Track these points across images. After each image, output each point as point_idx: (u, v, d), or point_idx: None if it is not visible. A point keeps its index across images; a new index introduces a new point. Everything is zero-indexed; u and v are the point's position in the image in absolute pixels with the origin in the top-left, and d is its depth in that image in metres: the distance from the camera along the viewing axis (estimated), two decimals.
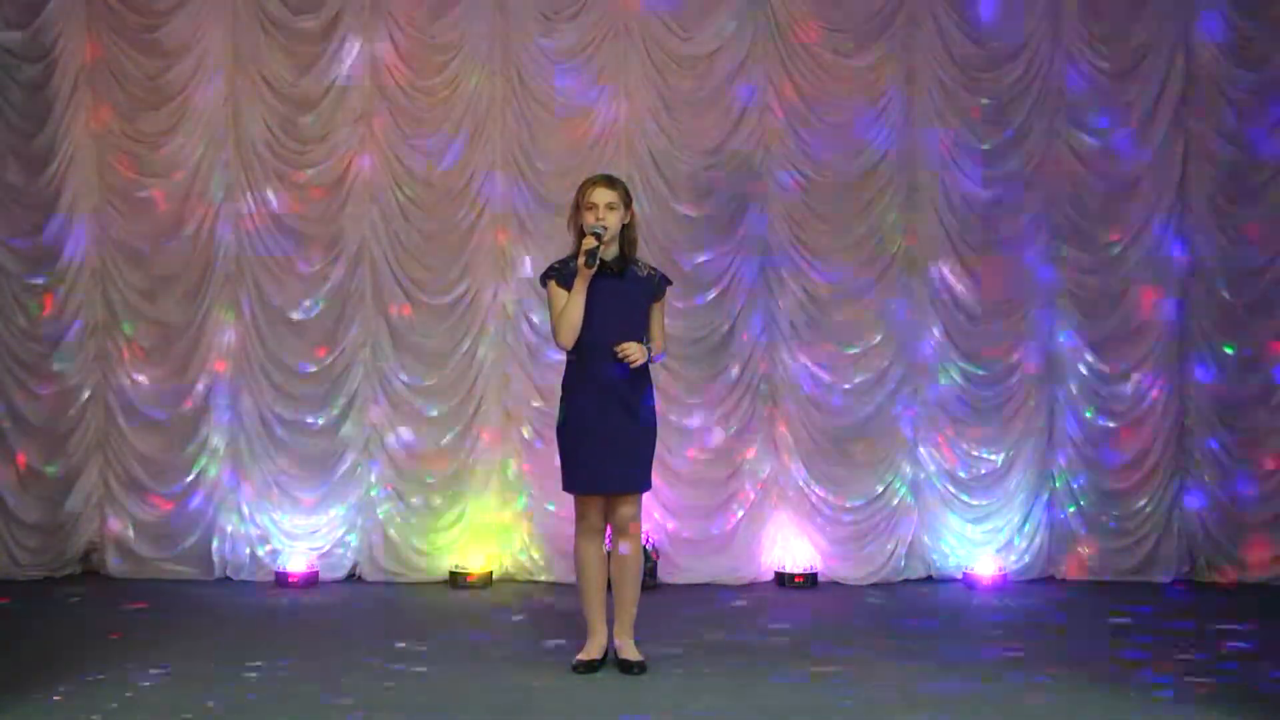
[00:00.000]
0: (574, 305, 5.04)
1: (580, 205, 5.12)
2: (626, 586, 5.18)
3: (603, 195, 5.07)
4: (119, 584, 6.95)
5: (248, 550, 7.07)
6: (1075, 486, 7.13)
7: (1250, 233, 7.08)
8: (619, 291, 5.10)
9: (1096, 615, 6.32)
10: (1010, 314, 7.12)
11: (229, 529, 7.08)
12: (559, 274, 5.14)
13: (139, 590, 6.77)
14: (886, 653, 5.54)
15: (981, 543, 7.10)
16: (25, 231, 7.04)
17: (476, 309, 7.09)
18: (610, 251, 5.10)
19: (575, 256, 5.11)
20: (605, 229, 5.03)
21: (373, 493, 7.09)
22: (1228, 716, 4.64)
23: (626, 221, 5.14)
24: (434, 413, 7.08)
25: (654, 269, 5.29)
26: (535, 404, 7.00)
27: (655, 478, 5.81)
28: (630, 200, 5.18)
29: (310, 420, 7.09)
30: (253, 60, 7.03)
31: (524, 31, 7.03)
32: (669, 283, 5.28)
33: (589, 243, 4.99)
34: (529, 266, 6.92)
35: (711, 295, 7.03)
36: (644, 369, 5.18)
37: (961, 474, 7.12)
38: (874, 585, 6.99)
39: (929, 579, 7.12)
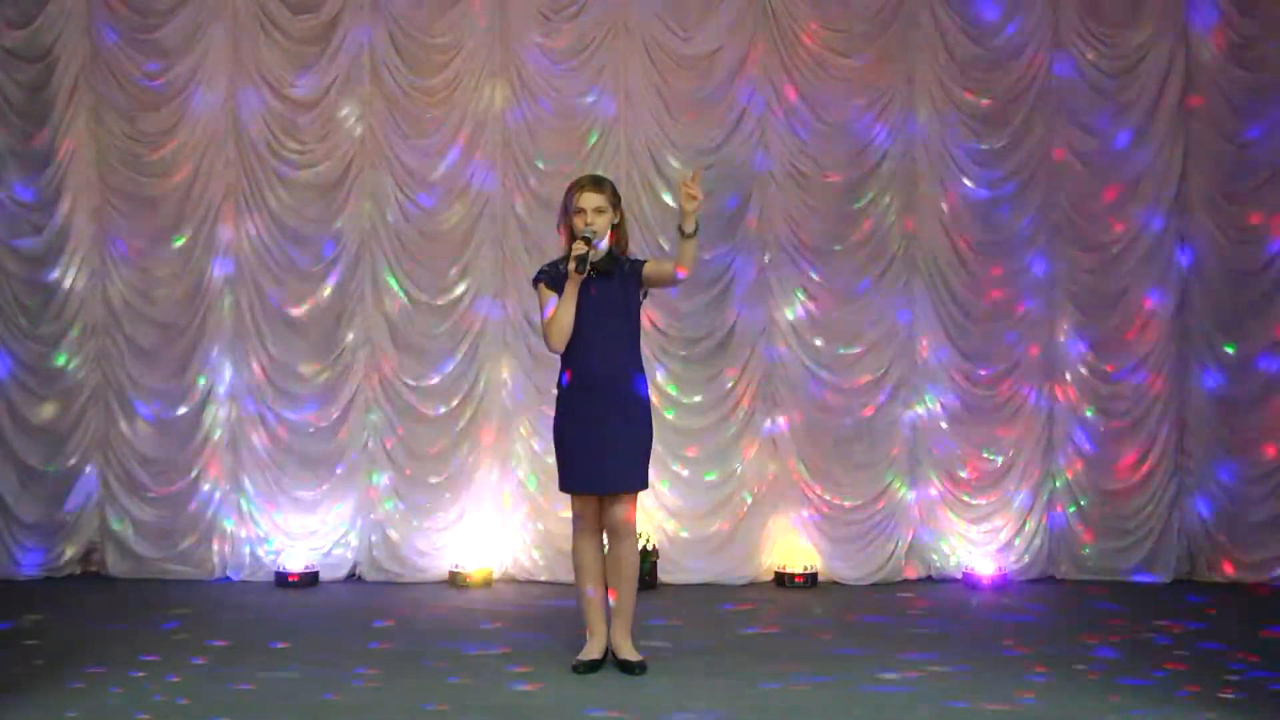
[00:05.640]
0: (564, 309, 5.02)
1: (568, 208, 5.10)
2: (623, 586, 5.17)
3: (590, 199, 5.05)
4: (119, 584, 6.95)
5: (248, 550, 7.07)
6: (1075, 486, 7.14)
7: (1250, 233, 7.08)
8: (609, 292, 5.09)
9: (1096, 615, 6.32)
10: (1010, 314, 7.12)
11: (229, 529, 7.08)
12: (549, 276, 5.12)
13: (139, 590, 6.78)
14: (886, 653, 5.53)
15: (981, 543, 7.10)
16: (25, 231, 7.04)
17: (476, 309, 7.09)
18: (600, 252, 5.09)
19: (566, 259, 5.10)
20: (595, 233, 5.02)
21: (373, 493, 7.09)
22: (1228, 717, 4.64)
23: (617, 221, 5.13)
24: (434, 413, 7.08)
25: (630, 260, 5.21)
26: (535, 404, 7.00)
27: (655, 478, 5.83)
28: (619, 200, 5.17)
29: (310, 420, 7.09)
30: (253, 60, 7.04)
31: (524, 31, 7.04)
32: (643, 261, 5.21)
33: (579, 247, 4.97)
34: (528, 266, 6.91)
35: (711, 295, 7.03)
36: (640, 369, 5.17)
37: (961, 474, 7.12)
38: (874, 585, 6.99)
39: (929, 579, 7.12)
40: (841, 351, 7.11)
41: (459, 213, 7.07)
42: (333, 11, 7.03)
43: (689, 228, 4.98)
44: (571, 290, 5.01)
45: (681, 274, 5.08)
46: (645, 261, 5.24)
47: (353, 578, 7.11)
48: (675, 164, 7.03)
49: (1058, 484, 7.16)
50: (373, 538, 7.08)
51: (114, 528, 7.09)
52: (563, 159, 6.99)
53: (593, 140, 7.04)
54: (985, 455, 7.13)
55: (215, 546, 7.08)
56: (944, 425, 7.12)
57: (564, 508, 6.12)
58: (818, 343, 7.10)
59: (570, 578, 5.50)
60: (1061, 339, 7.15)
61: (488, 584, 6.94)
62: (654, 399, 5.52)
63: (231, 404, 7.11)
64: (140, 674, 5.10)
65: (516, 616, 6.22)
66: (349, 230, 7.08)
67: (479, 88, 7.05)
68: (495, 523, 7.09)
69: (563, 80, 7.05)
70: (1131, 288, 7.11)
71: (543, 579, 7.00)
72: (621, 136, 7.05)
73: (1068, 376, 7.15)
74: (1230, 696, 4.87)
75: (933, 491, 7.13)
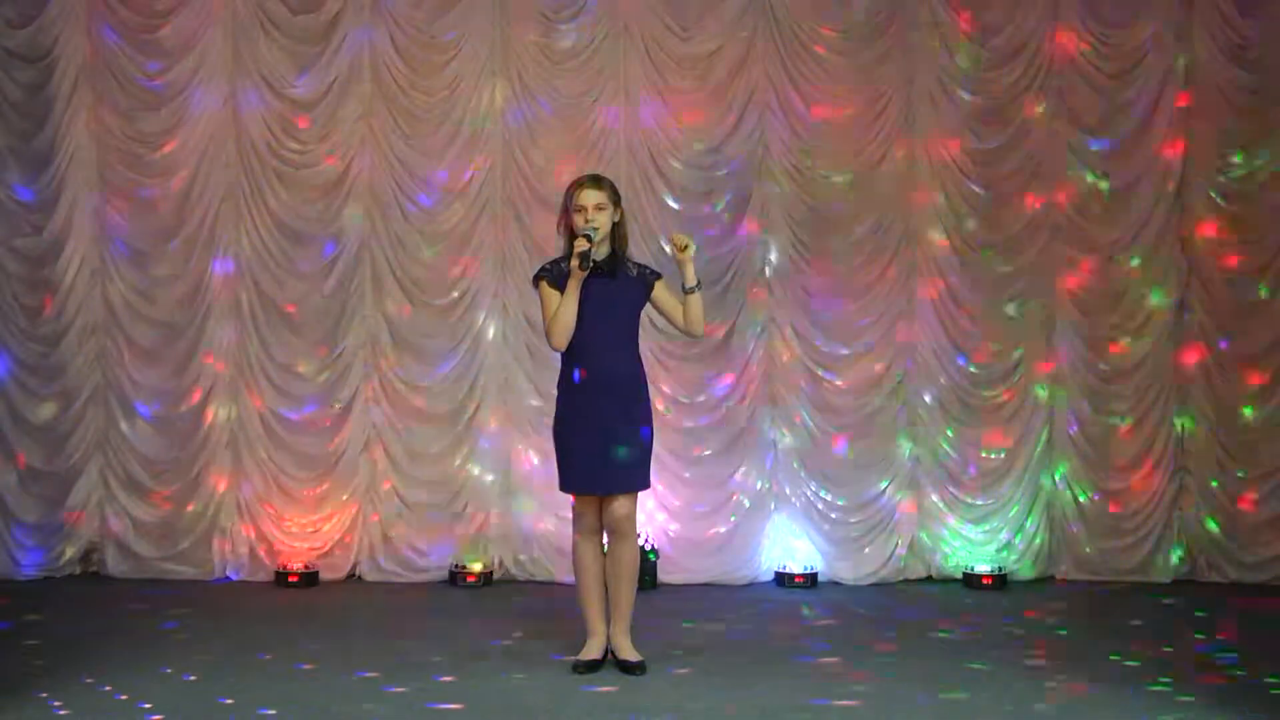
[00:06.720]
0: (567, 307, 5.02)
1: (569, 207, 5.10)
2: (623, 587, 5.16)
3: (591, 196, 5.05)
4: (119, 584, 6.95)
5: (248, 550, 7.07)
6: (1075, 486, 7.13)
7: (1250, 233, 7.08)
8: (611, 291, 5.08)
9: (1096, 616, 6.32)
10: (1010, 314, 7.12)
11: (229, 529, 7.09)
12: (550, 275, 5.12)
13: (139, 590, 6.78)
14: (887, 653, 5.54)
15: (981, 543, 7.11)
16: (25, 232, 7.04)
17: (476, 309, 7.09)
18: (602, 251, 5.08)
19: (566, 258, 5.09)
20: (596, 230, 5.02)
21: (373, 493, 7.10)
22: (1228, 717, 4.63)
23: (617, 220, 5.13)
24: (434, 413, 7.08)
25: (641, 266, 5.24)
26: (535, 404, 7.00)
27: (656, 478, 5.82)
28: (619, 198, 5.16)
29: (310, 420, 7.09)
30: (253, 60, 7.04)
31: (524, 31, 7.04)
32: (658, 275, 5.23)
33: (581, 244, 4.97)
34: (528, 266, 6.92)
35: (712, 295, 7.01)
36: (640, 369, 5.17)
37: (961, 474, 7.12)
38: (874, 585, 6.99)
39: (929, 579, 7.13)
40: (841, 351, 7.11)
41: (459, 213, 7.07)
42: (333, 11, 7.04)
43: (690, 282, 5.07)
44: (574, 288, 5.01)
45: (698, 332, 5.25)
46: (660, 276, 5.20)
47: (353, 578, 7.11)
48: (675, 164, 7.03)
49: (1058, 484, 7.16)
50: (373, 538, 7.08)
51: (114, 528, 7.09)
52: (563, 159, 6.99)
53: (593, 140, 7.04)
54: (985, 455, 7.13)
55: (215, 546, 7.08)
56: (944, 425, 7.12)
57: (564, 508, 6.12)
58: (818, 343, 7.10)
59: (570, 578, 5.49)
60: (1062, 339, 7.15)
61: (488, 584, 6.94)
62: (654, 399, 5.50)
63: (231, 404, 7.11)
64: (140, 674, 5.09)
65: (516, 616, 6.22)
66: (349, 230, 7.08)
67: (479, 88, 7.06)
68: (494, 522, 7.08)
69: (563, 80, 7.06)
70: (1131, 288, 7.11)
71: (542, 579, 7.01)
72: (621, 136, 7.06)
73: (1068, 376, 7.15)
74: (1235, 696, 4.87)
75: (932, 491, 7.13)
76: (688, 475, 7.08)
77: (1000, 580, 6.92)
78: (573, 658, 5.22)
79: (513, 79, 7.05)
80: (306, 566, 6.96)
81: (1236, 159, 7.07)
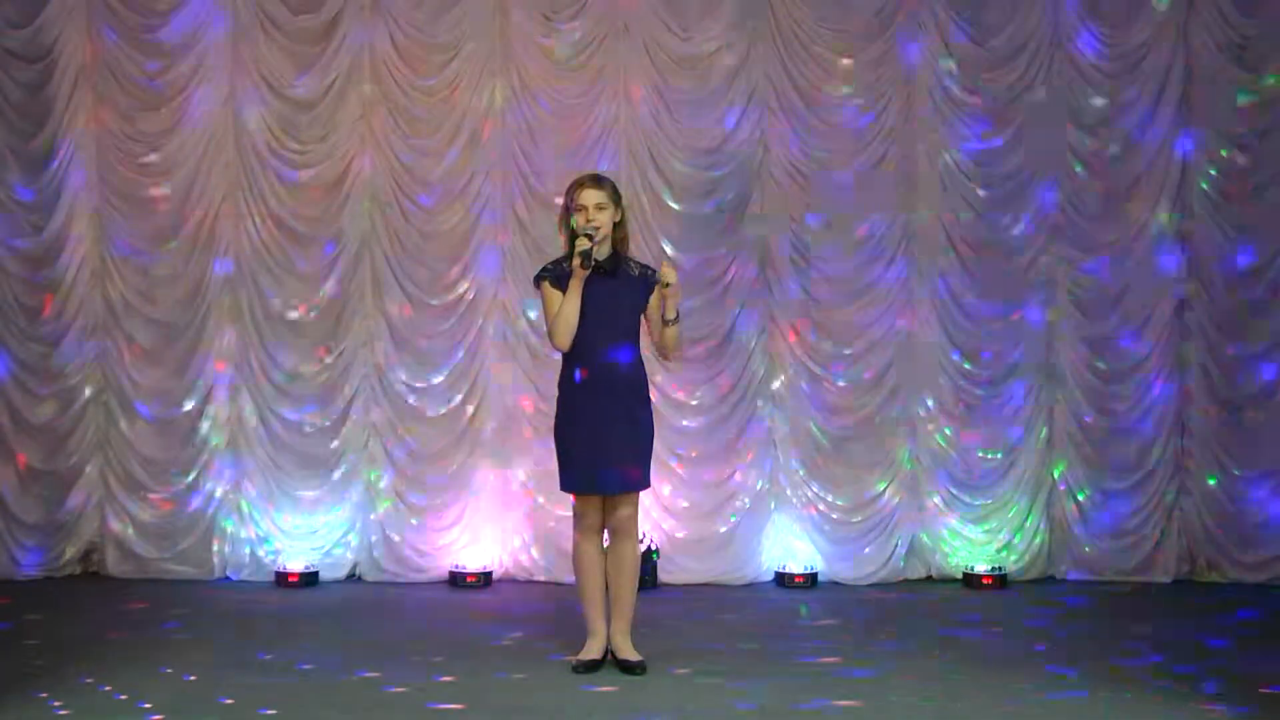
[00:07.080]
0: (569, 307, 5.02)
1: (570, 207, 5.11)
2: (624, 586, 5.17)
3: (591, 196, 5.06)
4: (119, 584, 6.95)
5: (248, 550, 7.07)
6: (1075, 486, 7.13)
7: (1250, 233, 7.08)
8: (612, 291, 5.08)
9: (1096, 616, 6.32)
10: (1010, 314, 7.12)
11: (229, 529, 7.09)
12: (552, 275, 5.12)
13: (139, 590, 6.78)
14: (886, 653, 5.54)
15: (981, 543, 7.11)
16: (25, 232, 7.04)
17: (476, 309, 7.09)
18: (603, 250, 5.08)
19: (568, 258, 5.09)
20: (597, 229, 5.02)
21: (373, 493, 7.10)
22: (1227, 717, 4.63)
23: (618, 219, 5.13)
24: (434, 413, 7.08)
25: (644, 267, 5.25)
26: (535, 404, 7.00)
27: (656, 478, 5.82)
28: (620, 197, 5.17)
29: (310, 420, 7.09)
30: (253, 60, 7.04)
31: (524, 31, 7.04)
32: (658, 279, 5.23)
33: (582, 244, 4.98)
34: (528, 266, 6.91)
35: (711, 295, 7.03)
36: (642, 368, 5.17)
37: (961, 474, 7.12)
38: (874, 585, 6.99)
39: (929, 579, 7.13)
40: (842, 351, 7.11)
41: (459, 213, 7.07)
42: (333, 11, 7.03)
43: (669, 315, 5.09)
44: (576, 287, 5.01)
45: (668, 358, 5.38)
46: (658, 283, 5.16)
47: (353, 578, 7.11)
48: (675, 164, 7.03)
49: (1058, 484, 7.16)
50: (373, 538, 7.08)
51: (114, 528, 7.09)
52: (563, 159, 6.98)
53: (593, 140, 7.03)
54: (985, 455, 7.13)
55: (215, 546, 7.08)
56: (944, 425, 7.12)
57: (564, 508, 6.12)
58: (818, 343, 7.10)
59: (570, 577, 5.49)
60: (1061, 339, 7.15)
61: (488, 584, 6.94)
62: (654, 399, 5.49)
63: (231, 404, 7.11)
64: (140, 674, 5.09)
65: (516, 616, 6.22)
66: (349, 230, 7.08)
67: (479, 88, 7.05)
68: (495, 523, 7.09)
69: (563, 80, 7.06)
70: (1131, 288, 7.10)
71: (543, 579, 7.01)
72: (621, 136, 7.06)
73: (1068, 376, 7.14)
74: (1234, 696, 4.87)
75: (933, 492, 7.12)
76: (687, 475, 7.08)
77: (1000, 580, 6.92)
78: (573, 658, 5.23)
79: (513, 79, 7.05)
80: (306, 566, 6.96)
81: (1236, 158, 7.06)
